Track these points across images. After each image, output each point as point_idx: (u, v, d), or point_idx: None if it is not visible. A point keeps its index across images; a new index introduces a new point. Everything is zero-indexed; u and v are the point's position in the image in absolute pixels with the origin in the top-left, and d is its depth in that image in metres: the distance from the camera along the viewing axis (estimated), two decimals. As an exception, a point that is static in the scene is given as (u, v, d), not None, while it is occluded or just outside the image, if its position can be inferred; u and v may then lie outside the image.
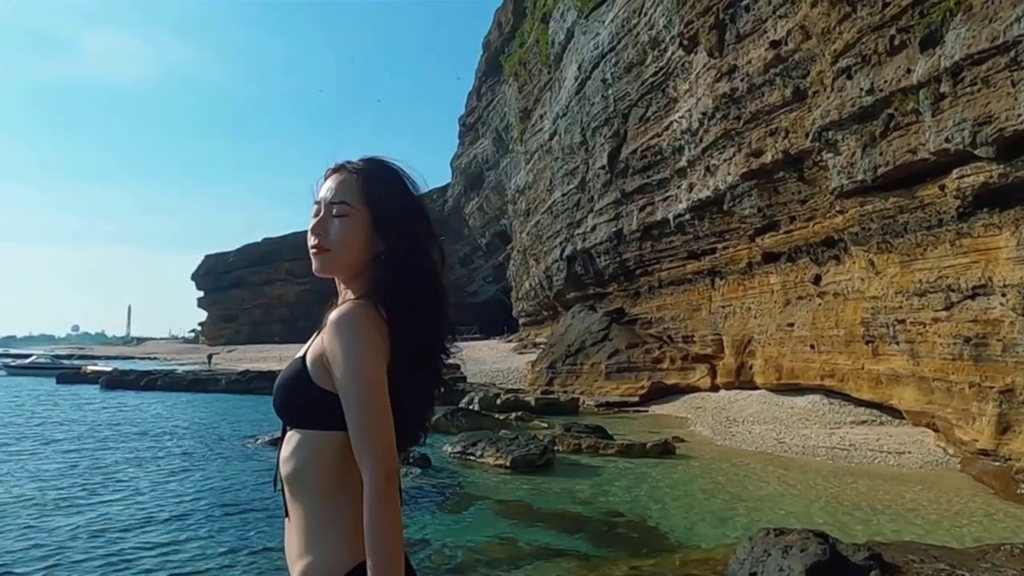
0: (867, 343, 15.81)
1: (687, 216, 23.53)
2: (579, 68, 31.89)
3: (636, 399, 24.21)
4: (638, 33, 26.15)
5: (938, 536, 7.98)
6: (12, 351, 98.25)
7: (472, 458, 13.26)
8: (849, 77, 13.92)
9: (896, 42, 12.68)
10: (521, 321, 50.03)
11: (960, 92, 11.21)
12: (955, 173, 11.63)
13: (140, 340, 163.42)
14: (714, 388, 23.16)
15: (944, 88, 11.48)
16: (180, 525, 9.07)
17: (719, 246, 22.73)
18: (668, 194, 25.07)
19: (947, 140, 11.48)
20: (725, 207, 21.14)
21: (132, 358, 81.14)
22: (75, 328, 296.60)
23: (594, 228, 30.76)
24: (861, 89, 13.45)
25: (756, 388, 21.05)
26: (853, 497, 10.33)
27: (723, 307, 22.90)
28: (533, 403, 22.62)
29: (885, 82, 12.83)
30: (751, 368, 21.29)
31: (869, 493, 10.58)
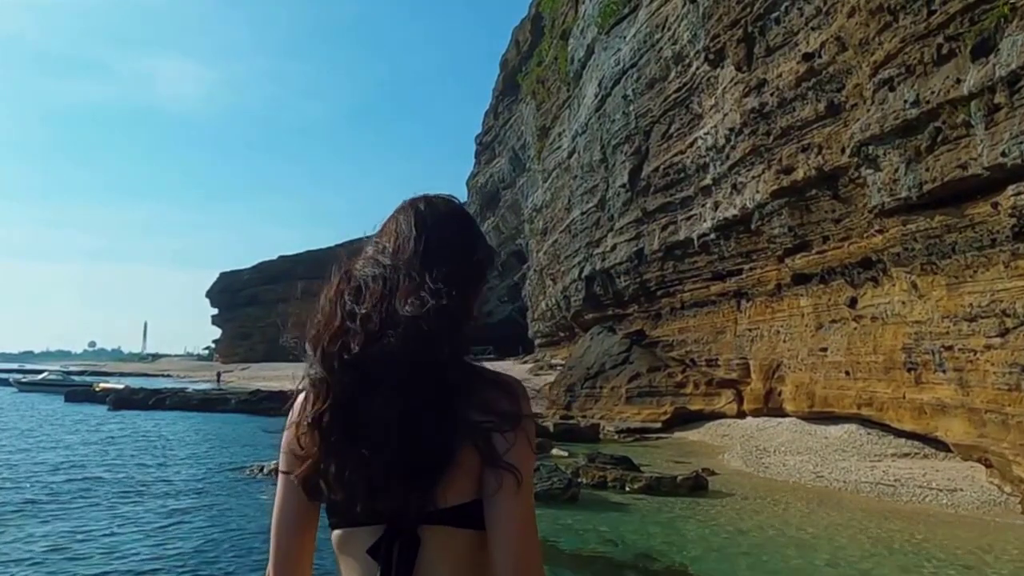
0: (909, 370, 14.88)
1: (712, 236, 22.77)
2: (599, 85, 31.28)
3: (658, 425, 23.34)
4: (661, 48, 25.53)
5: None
6: (27, 366, 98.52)
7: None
8: (891, 89, 13.16)
9: (944, 51, 11.95)
10: (537, 342, 49.24)
11: (1017, 103, 10.49)
12: (1010, 190, 10.87)
13: (155, 357, 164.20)
14: (740, 414, 22.23)
15: (999, 99, 10.76)
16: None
17: (745, 267, 21.93)
18: (692, 213, 24.33)
19: (1002, 154, 10.74)
20: (752, 226, 20.36)
21: (145, 375, 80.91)
22: (92, 344, 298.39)
23: (614, 248, 30.01)
24: (905, 101, 12.68)
25: (786, 415, 20.09)
26: (914, 543, 9.45)
27: (750, 330, 22.04)
28: (551, 428, 21.75)
29: (932, 93, 12.08)
30: (780, 394, 20.35)
31: (930, 539, 9.67)
